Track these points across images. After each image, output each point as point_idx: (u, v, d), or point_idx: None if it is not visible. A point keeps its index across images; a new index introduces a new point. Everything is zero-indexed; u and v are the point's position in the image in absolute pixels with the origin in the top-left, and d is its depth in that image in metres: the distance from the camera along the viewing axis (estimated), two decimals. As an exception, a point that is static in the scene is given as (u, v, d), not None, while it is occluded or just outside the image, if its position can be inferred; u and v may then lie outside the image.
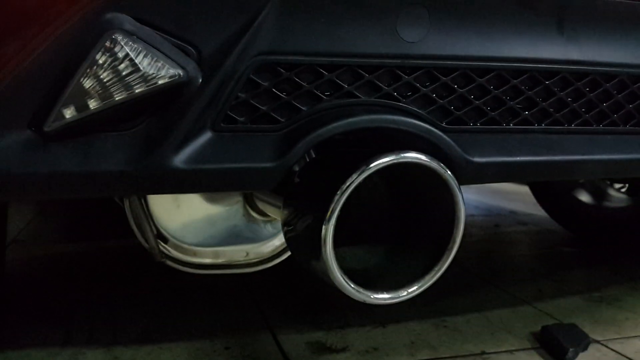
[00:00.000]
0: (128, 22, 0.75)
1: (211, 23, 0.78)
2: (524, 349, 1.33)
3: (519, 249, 2.19)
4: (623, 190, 2.09)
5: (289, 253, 1.17)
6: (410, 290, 0.79)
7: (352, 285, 0.74)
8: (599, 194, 2.09)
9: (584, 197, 2.10)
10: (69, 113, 0.76)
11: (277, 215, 0.98)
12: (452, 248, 0.79)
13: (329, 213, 0.73)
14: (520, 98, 0.93)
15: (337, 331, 1.39)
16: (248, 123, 0.83)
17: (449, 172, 0.76)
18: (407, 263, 0.82)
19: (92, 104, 0.76)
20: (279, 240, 1.17)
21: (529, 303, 1.58)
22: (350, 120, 0.81)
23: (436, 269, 0.79)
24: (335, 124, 0.81)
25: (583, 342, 1.32)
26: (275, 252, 1.16)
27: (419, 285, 0.79)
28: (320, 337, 1.36)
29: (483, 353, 1.31)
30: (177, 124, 0.78)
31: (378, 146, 0.81)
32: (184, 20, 0.77)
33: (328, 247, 0.74)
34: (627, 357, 1.29)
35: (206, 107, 0.79)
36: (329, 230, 0.74)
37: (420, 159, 0.75)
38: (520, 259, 2.06)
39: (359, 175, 0.73)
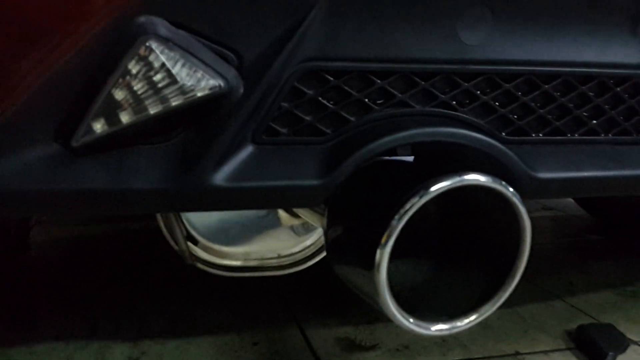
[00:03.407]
0: (163, 26, 0.68)
1: (254, 27, 0.70)
2: (559, 350, 1.29)
3: (546, 237, 2.13)
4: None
5: (321, 255, 1.12)
6: (468, 321, 0.74)
7: (411, 320, 0.69)
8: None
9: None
10: (99, 127, 0.69)
11: (315, 221, 0.93)
12: (515, 275, 0.73)
13: (385, 238, 0.67)
14: (588, 106, 0.86)
15: (366, 327, 1.35)
16: (292, 135, 0.76)
17: (517, 197, 0.69)
18: (461, 288, 0.77)
19: (125, 117, 0.69)
20: (310, 241, 1.12)
21: (560, 298, 1.54)
22: (404, 133, 0.74)
23: (496, 297, 0.73)
24: (388, 138, 0.74)
25: (622, 345, 1.27)
26: (307, 254, 1.11)
27: (478, 315, 0.73)
28: (349, 333, 1.32)
29: (517, 353, 1.27)
30: (217, 137, 0.72)
31: (433, 160, 0.75)
32: (225, 24, 0.70)
33: (382, 273, 0.68)
34: (666, 361, 1.24)
35: (248, 118, 0.72)
36: (384, 256, 0.68)
37: (487, 183, 0.68)
38: (548, 248, 2.00)
39: (419, 199, 0.66)
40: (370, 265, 0.68)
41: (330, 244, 0.78)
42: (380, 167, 0.76)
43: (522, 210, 0.71)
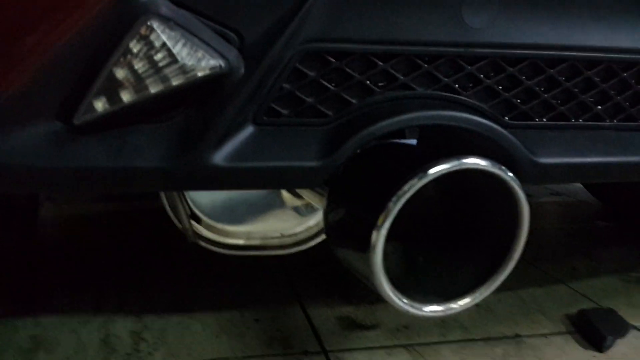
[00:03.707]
0: (164, 5, 0.67)
1: (256, 7, 0.70)
2: (559, 333, 1.29)
3: (552, 222, 2.12)
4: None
5: (323, 236, 1.12)
6: (462, 303, 0.74)
7: (405, 301, 0.69)
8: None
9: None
10: (100, 105, 0.69)
11: (316, 201, 0.93)
12: (511, 259, 0.73)
13: (381, 220, 0.67)
14: (593, 91, 0.84)
15: (367, 307, 1.36)
16: (293, 116, 0.76)
17: (516, 181, 0.69)
18: (457, 270, 0.77)
19: (126, 96, 0.69)
20: (314, 221, 1.12)
21: (563, 282, 1.54)
22: (405, 116, 0.74)
23: (492, 280, 0.74)
24: (389, 121, 0.74)
25: (622, 329, 1.28)
26: (310, 234, 1.11)
27: (473, 297, 0.74)
28: (350, 312, 1.33)
29: (517, 336, 1.28)
30: (218, 117, 0.72)
31: (435, 143, 0.74)
32: (226, 3, 0.69)
33: (377, 255, 0.69)
34: (666, 346, 1.24)
35: (248, 99, 0.72)
36: (379, 238, 0.68)
37: (486, 167, 0.68)
38: (554, 233, 1.99)
39: (417, 182, 0.66)
40: (366, 246, 0.69)
41: (329, 224, 0.79)
42: (382, 149, 0.76)
43: (521, 195, 0.71)
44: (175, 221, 1.03)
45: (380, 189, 0.69)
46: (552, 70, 0.81)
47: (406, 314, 1.31)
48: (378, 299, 1.39)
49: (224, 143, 0.72)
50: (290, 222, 1.10)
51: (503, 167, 0.69)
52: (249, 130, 0.74)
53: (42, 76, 0.68)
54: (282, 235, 1.10)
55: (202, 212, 1.06)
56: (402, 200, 0.66)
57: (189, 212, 1.04)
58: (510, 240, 0.73)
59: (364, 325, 1.29)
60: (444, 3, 0.74)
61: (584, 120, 0.86)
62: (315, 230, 1.12)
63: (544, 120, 0.84)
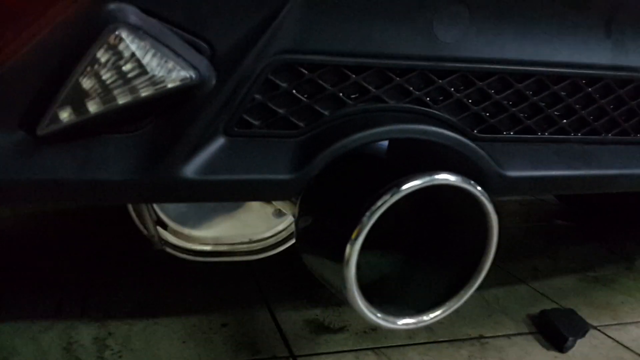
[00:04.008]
0: (134, 14, 0.65)
1: (228, 16, 0.68)
2: (521, 334, 1.32)
3: (513, 221, 2.17)
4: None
5: (293, 241, 1.11)
6: (434, 315, 0.75)
7: (378, 315, 0.70)
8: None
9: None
10: (65, 115, 0.67)
11: (286, 208, 0.92)
12: (482, 270, 0.74)
13: (355, 233, 0.67)
14: (559, 105, 0.86)
15: (334, 309, 1.37)
16: (264, 128, 0.75)
17: (486, 196, 0.70)
18: (428, 282, 0.78)
19: (92, 107, 0.67)
20: (282, 226, 1.12)
21: (524, 282, 1.57)
22: (378, 129, 0.74)
23: (462, 292, 0.75)
24: (361, 134, 0.74)
25: (582, 330, 1.31)
26: (279, 239, 1.10)
27: (444, 309, 0.75)
28: (318, 315, 1.34)
29: (481, 337, 1.30)
30: (188, 128, 0.70)
31: (405, 155, 0.75)
32: (197, 11, 0.68)
33: (351, 268, 0.69)
34: (624, 346, 1.29)
35: (220, 110, 0.71)
36: (353, 252, 0.68)
37: (457, 182, 0.68)
38: (515, 232, 2.04)
39: (390, 198, 0.66)
40: (339, 259, 0.68)
41: (300, 234, 0.78)
42: (353, 161, 0.76)
43: (490, 209, 0.72)
44: (141, 227, 1.01)
45: (354, 203, 0.68)
46: (519, 85, 0.83)
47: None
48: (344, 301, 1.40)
49: (194, 155, 0.71)
50: (259, 227, 1.09)
51: (473, 182, 0.70)
52: (220, 141, 0.73)
53: (5, 85, 0.66)
54: (251, 241, 1.09)
55: (168, 217, 1.04)
56: (376, 215, 0.66)
57: (155, 218, 1.02)
58: (480, 252, 0.74)
59: (332, 329, 1.29)
60: (416, 17, 0.74)
61: (549, 134, 0.87)
62: (284, 235, 1.11)
63: (511, 133, 0.85)
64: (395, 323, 0.72)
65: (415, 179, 0.68)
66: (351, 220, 0.67)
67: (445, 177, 0.68)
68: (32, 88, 0.66)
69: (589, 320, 1.35)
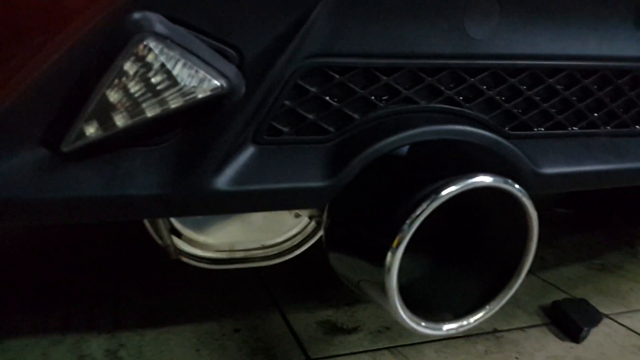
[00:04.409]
0: (160, 22, 0.63)
1: (256, 21, 0.66)
2: (535, 326, 1.32)
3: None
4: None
5: (308, 244, 1.10)
6: (476, 318, 0.73)
7: (423, 324, 0.68)
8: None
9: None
10: (92, 131, 0.64)
11: (304, 212, 0.90)
12: (522, 270, 0.73)
13: (396, 242, 0.65)
14: (589, 99, 0.85)
15: (346, 309, 1.35)
16: (294, 134, 0.72)
17: (526, 196, 0.69)
18: (461, 285, 0.76)
19: (120, 121, 0.64)
20: (297, 229, 1.10)
21: (533, 273, 1.57)
22: (413, 132, 0.72)
23: (503, 293, 0.73)
24: (395, 137, 0.72)
25: (595, 319, 1.31)
26: (294, 243, 1.08)
27: (485, 312, 0.73)
28: (330, 316, 1.32)
29: (495, 331, 1.29)
30: (217, 138, 0.68)
31: (438, 156, 0.73)
32: (225, 17, 0.65)
33: (392, 278, 0.67)
34: (637, 333, 1.29)
35: (249, 118, 0.68)
36: (395, 260, 0.66)
37: (498, 184, 0.67)
38: (518, 223, 2.03)
39: (430, 204, 0.65)
40: (380, 268, 0.67)
41: (331, 241, 0.76)
42: (384, 164, 0.74)
43: (531, 208, 0.70)
44: (156, 237, 0.98)
45: (393, 211, 0.67)
46: (550, 80, 0.81)
47: (387, 314, 1.32)
48: (357, 300, 1.39)
49: (225, 166, 0.68)
50: (275, 232, 1.07)
51: (512, 182, 0.68)
52: (249, 150, 0.70)
53: (27, 100, 0.62)
54: (265, 246, 1.06)
55: (182, 225, 1.01)
56: (417, 223, 0.65)
57: (169, 226, 0.99)
58: (520, 252, 0.73)
59: (346, 329, 1.27)
60: (447, 15, 0.72)
61: (579, 128, 0.86)
62: (299, 239, 1.09)
63: (542, 129, 0.84)
64: (441, 330, 0.70)
65: (455, 184, 0.66)
66: (392, 228, 0.66)
67: (486, 179, 0.67)
68: (56, 103, 0.63)
69: (600, 309, 1.35)
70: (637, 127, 0.91)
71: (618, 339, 1.28)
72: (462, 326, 0.73)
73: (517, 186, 0.68)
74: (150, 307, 1.32)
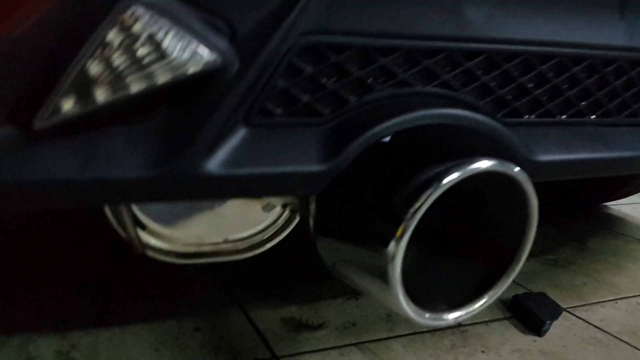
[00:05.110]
0: (148, -12, 0.57)
1: (252, -8, 0.61)
2: (497, 320, 1.32)
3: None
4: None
5: (280, 238, 1.05)
6: (481, 303, 0.71)
7: (427, 315, 0.65)
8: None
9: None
10: (68, 106, 0.58)
11: (277, 200, 0.86)
12: (521, 255, 0.71)
13: (400, 231, 0.62)
14: (578, 87, 0.85)
15: (311, 305, 1.31)
16: (286, 115, 0.68)
17: (528, 180, 0.67)
18: (458, 273, 0.74)
19: (100, 96, 0.58)
20: (269, 221, 1.05)
21: (490, 267, 1.58)
22: (412, 115, 0.69)
23: (504, 279, 0.72)
24: (395, 120, 0.68)
25: (556, 313, 1.34)
26: (265, 237, 1.03)
27: (487, 299, 0.71)
28: (294, 312, 1.28)
29: (460, 325, 1.29)
30: (208, 118, 0.62)
31: (434, 142, 0.70)
32: (217, -13, 0.60)
33: (396, 268, 0.64)
34: (594, 326, 1.32)
35: (242, 97, 0.63)
36: (399, 250, 0.63)
37: (502, 169, 0.65)
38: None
39: (433, 192, 0.62)
40: (383, 259, 0.63)
41: (323, 232, 0.72)
42: (382, 149, 0.71)
43: (532, 193, 0.69)
44: (119, 229, 0.91)
45: (397, 199, 0.63)
46: (542, 67, 0.80)
47: (352, 310, 1.29)
48: (320, 296, 1.35)
49: (215, 147, 0.63)
50: (245, 225, 1.02)
51: (514, 167, 0.67)
52: (241, 132, 0.65)
53: (-6, 70, 0.55)
54: (234, 240, 1.01)
55: (147, 216, 0.94)
56: (421, 211, 0.62)
57: (133, 218, 0.92)
58: (519, 237, 0.71)
59: (311, 326, 1.24)
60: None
61: (567, 117, 0.86)
62: (270, 232, 1.05)
63: (533, 117, 0.83)
64: (445, 320, 0.68)
65: (459, 169, 0.64)
66: (395, 217, 0.62)
67: (490, 164, 0.65)
68: (28, 75, 0.56)
69: (558, 303, 1.38)
70: (620, 116, 0.92)
71: (578, 332, 1.30)
72: (468, 312, 0.71)
73: (522, 172, 0.67)
74: (104, 307, 1.24)
